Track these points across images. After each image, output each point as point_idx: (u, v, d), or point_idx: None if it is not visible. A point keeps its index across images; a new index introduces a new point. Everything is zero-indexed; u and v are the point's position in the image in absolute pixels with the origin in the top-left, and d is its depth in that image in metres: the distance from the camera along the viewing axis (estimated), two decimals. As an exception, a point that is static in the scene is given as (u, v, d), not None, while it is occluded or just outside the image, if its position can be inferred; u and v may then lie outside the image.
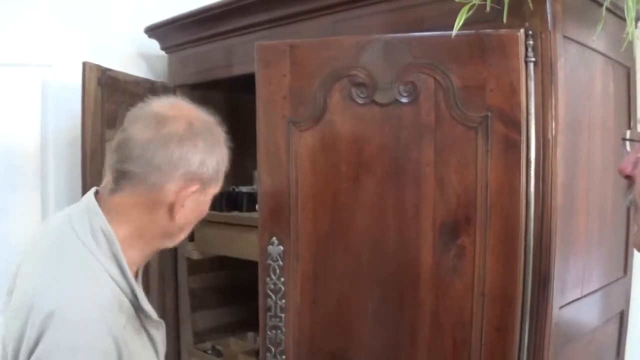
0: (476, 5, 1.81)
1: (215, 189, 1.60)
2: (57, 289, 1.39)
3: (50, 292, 1.39)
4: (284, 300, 2.17)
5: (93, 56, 2.84)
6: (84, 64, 2.68)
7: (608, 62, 2.33)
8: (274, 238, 2.16)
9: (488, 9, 1.80)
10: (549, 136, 1.91)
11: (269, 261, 2.17)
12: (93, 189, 1.57)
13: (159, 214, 1.53)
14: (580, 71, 2.12)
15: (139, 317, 1.53)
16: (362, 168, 2.09)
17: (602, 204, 2.35)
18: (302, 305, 2.18)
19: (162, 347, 1.64)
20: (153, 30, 3.19)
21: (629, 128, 2.49)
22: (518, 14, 1.90)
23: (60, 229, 1.52)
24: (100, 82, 2.74)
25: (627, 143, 1.28)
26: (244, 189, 3.11)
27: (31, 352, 1.34)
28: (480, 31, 1.91)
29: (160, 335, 1.62)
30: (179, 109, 1.55)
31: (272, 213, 2.18)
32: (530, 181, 1.90)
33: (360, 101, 2.06)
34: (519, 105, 1.88)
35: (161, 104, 1.56)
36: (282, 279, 2.16)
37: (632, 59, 2.46)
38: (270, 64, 2.14)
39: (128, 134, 1.50)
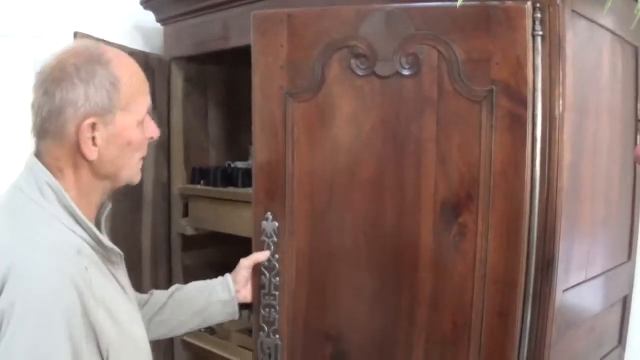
0: None
1: (128, 114, 1.57)
2: (10, 245, 1.41)
3: (4, 249, 1.40)
4: (278, 278, 2.13)
5: (85, 27, 2.77)
6: (76, 35, 2.63)
7: (616, 40, 2.28)
8: (269, 213, 2.12)
9: (496, -22, 1.75)
10: (556, 113, 1.87)
11: (263, 237, 2.13)
12: (31, 151, 1.58)
13: (77, 158, 1.54)
14: (588, 48, 2.08)
15: (104, 263, 1.57)
16: (361, 142, 2.05)
17: (608, 188, 2.32)
18: (297, 284, 2.15)
19: (128, 287, 1.70)
20: (149, 2, 3.16)
21: (637, 110, 2.46)
22: None
23: (9, 192, 1.55)
24: (93, 53, 2.69)
25: None
26: (240, 164, 3.07)
27: None
28: (486, 2, 1.86)
29: (123, 275, 1.68)
30: (56, 55, 1.54)
31: (266, 187, 2.15)
32: (535, 160, 1.86)
33: (360, 73, 2.01)
34: (525, 80, 1.83)
35: (50, 56, 1.55)
36: (277, 256, 2.13)
37: (640, 38, 2.42)
38: (267, 34, 2.09)
39: (31, 95, 1.55)
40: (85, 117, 1.50)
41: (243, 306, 2.14)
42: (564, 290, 1.98)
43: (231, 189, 2.95)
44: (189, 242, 3.22)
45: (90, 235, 1.54)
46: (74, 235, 1.49)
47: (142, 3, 3.18)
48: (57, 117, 1.50)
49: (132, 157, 1.63)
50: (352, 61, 2.01)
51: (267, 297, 2.13)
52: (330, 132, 2.08)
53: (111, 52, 1.58)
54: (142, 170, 1.73)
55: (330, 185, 2.09)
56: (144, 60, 3.00)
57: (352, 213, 2.07)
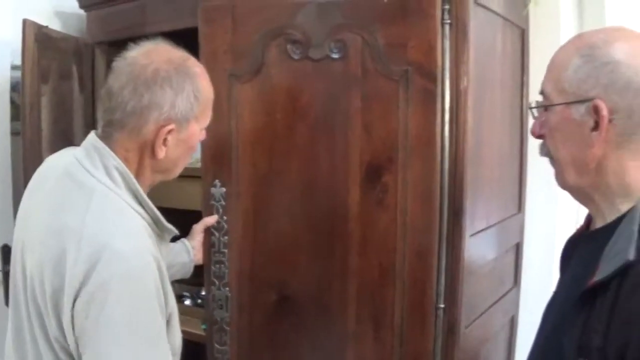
0: None
1: (198, 123, 1.76)
2: (97, 229, 1.53)
3: (92, 232, 1.52)
4: (226, 237, 2.33)
5: (7, 10, 2.94)
6: (24, 22, 2.75)
7: (507, 24, 2.56)
8: (217, 180, 2.32)
9: (412, -24, 2.00)
10: (461, 88, 2.12)
11: (212, 202, 2.33)
12: (92, 132, 1.72)
13: (145, 153, 1.69)
14: (485, 32, 2.34)
15: (157, 238, 1.73)
16: (296, 116, 2.25)
17: (501, 150, 2.59)
18: (243, 241, 2.34)
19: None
20: None
21: (522, 83, 2.79)
22: None
23: (71, 170, 1.66)
24: (37, 39, 2.81)
25: (534, 110, 1.53)
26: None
27: (82, 284, 1.47)
28: None
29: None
30: (149, 56, 1.67)
31: (214, 158, 2.33)
32: (445, 126, 2.10)
33: (295, 57, 2.22)
34: (435, 61, 2.08)
35: (135, 53, 1.69)
36: (225, 218, 2.32)
37: (527, 22, 2.71)
38: (213, 22, 2.28)
39: (108, 85, 1.67)
40: (167, 122, 1.66)
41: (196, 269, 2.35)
42: (471, 236, 2.23)
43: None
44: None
45: (150, 216, 1.70)
46: (141, 218, 1.66)
47: None
48: (140, 115, 1.63)
49: (187, 158, 1.82)
50: (289, 46, 2.22)
51: (217, 255, 2.33)
52: (269, 107, 2.28)
53: (198, 68, 1.75)
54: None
55: (270, 153, 2.30)
56: (75, 45, 3.13)
57: (290, 176, 2.28)
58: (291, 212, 2.30)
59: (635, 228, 1.32)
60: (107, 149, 1.66)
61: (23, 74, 2.80)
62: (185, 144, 1.75)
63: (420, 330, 2.19)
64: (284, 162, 2.30)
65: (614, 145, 1.38)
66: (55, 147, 2.80)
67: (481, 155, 2.34)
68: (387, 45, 2.13)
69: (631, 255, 1.26)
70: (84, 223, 1.53)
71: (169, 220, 1.80)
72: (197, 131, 1.77)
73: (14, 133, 3.07)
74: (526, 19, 2.58)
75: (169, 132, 1.67)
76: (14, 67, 3.07)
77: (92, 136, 1.71)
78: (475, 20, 2.19)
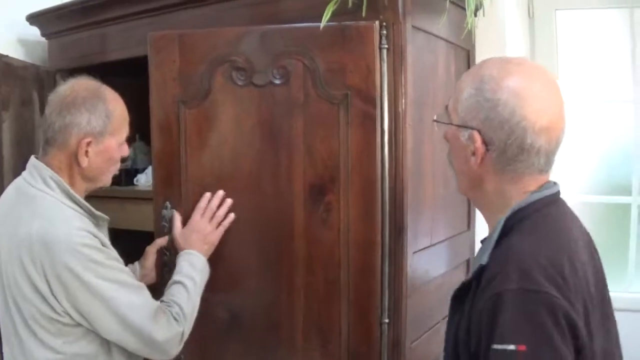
0: (339, 0, 2.09)
1: (114, 138, 2.11)
2: (40, 224, 1.94)
3: (35, 229, 1.93)
4: None
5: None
6: None
7: (450, 46, 2.64)
8: (167, 202, 2.37)
9: (350, 4, 2.09)
10: (399, 110, 2.19)
11: (164, 223, 2.38)
12: (32, 156, 2.13)
13: (73, 163, 2.07)
14: (426, 55, 2.41)
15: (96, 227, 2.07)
16: (242, 140, 2.32)
17: (445, 170, 2.58)
18: None
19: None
20: (34, 17, 3.29)
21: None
22: (374, 8, 2.15)
23: (18, 187, 2.11)
24: (-3, 68, 2.87)
25: (435, 124, 1.66)
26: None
27: (45, 274, 1.90)
28: (342, 23, 2.16)
29: (106, 235, 2.14)
30: (72, 87, 2.10)
31: (164, 180, 2.39)
32: (384, 147, 2.17)
33: (240, 83, 2.29)
34: (374, 84, 2.15)
35: (63, 86, 2.12)
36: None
37: (472, 43, 2.77)
38: (162, 51, 2.35)
39: (45, 111, 2.10)
40: (85, 136, 2.04)
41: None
42: (414, 252, 2.29)
43: (124, 187, 3.09)
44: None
45: (83, 209, 2.06)
46: (74, 211, 2.03)
47: (28, 19, 3.29)
48: (64, 132, 2.04)
49: (109, 168, 2.17)
50: (233, 73, 2.29)
51: (169, 274, 2.32)
52: (216, 132, 2.34)
53: (110, 94, 2.13)
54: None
55: (218, 177, 2.35)
56: (36, 73, 3.22)
57: (238, 198, 2.33)
58: (240, 232, 2.34)
59: (496, 236, 1.47)
60: (42, 164, 2.05)
61: (-17, 103, 2.85)
62: (104, 155, 2.11)
63: (366, 345, 2.24)
64: (231, 184, 2.36)
65: (492, 170, 1.51)
66: (17, 171, 2.86)
67: (422, 175, 2.41)
68: (327, 70, 2.20)
69: (484, 260, 1.42)
70: (31, 226, 1.93)
71: (123, 242, 2.14)
72: (114, 144, 2.13)
73: (-23, 156, 3.08)
74: (471, 40, 2.64)
75: (88, 144, 2.05)
76: (-24, 93, 3.09)
77: (32, 158, 2.12)
78: (414, 44, 2.27)
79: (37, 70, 3.26)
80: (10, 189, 2.15)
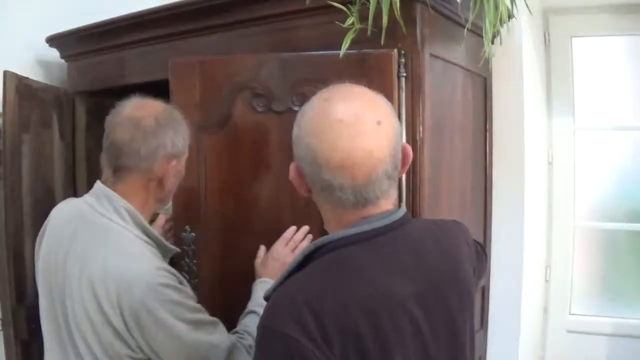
0: (358, 29, 2.12)
1: (184, 157, 2.12)
2: (116, 259, 1.89)
3: (112, 263, 1.88)
4: (196, 280, 2.39)
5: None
6: (5, 73, 2.83)
7: (467, 74, 2.65)
8: (187, 226, 2.40)
9: (369, 33, 2.10)
10: (417, 138, 2.20)
11: (184, 246, 2.39)
12: (98, 182, 2.05)
13: (152, 187, 2.04)
14: (443, 83, 2.42)
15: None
16: (261, 165, 2.34)
17: (462, 195, 2.66)
18: (213, 284, 2.41)
19: None
20: (54, 40, 3.32)
21: (486, 130, 2.88)
22: (393, 36, 2.15)
23: (82, 212, 2.02)
24: (17, 90, 2.90)
25: None
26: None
27: (122, 312, 1.85)
28: (361, 51, 2.17)
29: None
30: (144, 108, 2.02)
31: (185, 205, 2.42)
32: (402, 176, 2.09)
33: (259, 109, 2.32)
34: None
35: (129, 109, 2.03)
36: (195, 261, 2.40)
37: (489, 71, 2.79)
38: (183, 77, 2.38)
39: (112, 138, 2.00)
40: (171, 158, 2.03)
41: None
42: None
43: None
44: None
45: (154, 241, 2.04)
46: (146, 244, 1.99)
47: (47, 40, 3.31)
48: (151, 157, 1.98)
49: (175, 187, 2.17)
50: (253, 100, 2.32)
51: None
52: (236, 157, 2.36)
53: (182, 115, 2.11)
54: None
55: (237, 201, 2.38)
56: (56, 95, 3.24)
57: (256, 222, 2.36)
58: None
59: (288, 270, 1.51)
60: (114, 193, 2.00)
61: (4, 124, 2.88)
62: (178, 175, 2.13)
63: None
64: (250, 209, 2.38)
65: (320, 201, 1.56)
66: (35, 193, 2.93)
67: (439, 201, 2.41)
68: (347, 98, 2.20)
69: (268, 292, 1.51)
70: (108, 262, 1.87)
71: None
72: (183, 164, 2.13)
73: (-5, 177, 3.10)
74: (488, 67, 2.66)
75: (173, 166, 2.04)
76: (-5, 115, 3.11)
77: (99, 185, 2.05)
78: (432, 72, 2.28)
79: (56, 92, 3.28)
80: (68, 210, 2.10)
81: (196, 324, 1.92)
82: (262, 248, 2.28)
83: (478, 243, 1.91)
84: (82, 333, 1.90)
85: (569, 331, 3.33)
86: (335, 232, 1.51)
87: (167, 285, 1.88)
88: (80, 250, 1.94)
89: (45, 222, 2.12)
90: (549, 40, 3.28)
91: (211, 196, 2.42)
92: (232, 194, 2.41)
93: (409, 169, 2.12)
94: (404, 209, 1.58)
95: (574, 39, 3.30)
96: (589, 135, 3.32)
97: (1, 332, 2.97)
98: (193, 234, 2.41)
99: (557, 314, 3.36)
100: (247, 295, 2.27)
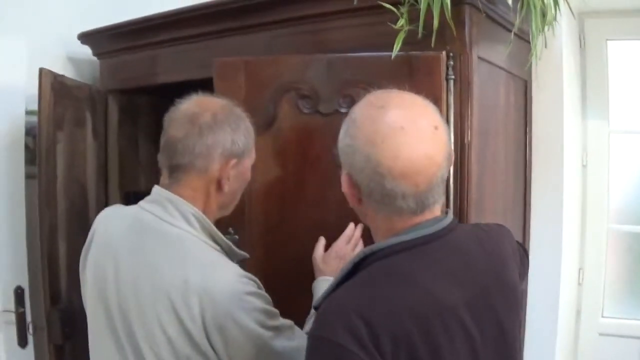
0: (407, 30, 2.11)
1: (250, 159, 2.02)
2: (196, 273, 1.79)
3: (192, 277, 1.78)
4: None
5: (29, 58, 3.01)
6: (41, 70, 2.83)
7: (509, 76, 2.64)
8: (230, 228, 2.36)
9: (420, 35, 2.09)
10: (466, 141, 2.18)
11: None
12: (156, 186, 1.95)
13: (211, 190, 1.93)
14: (489, 86, 2.41)
15: None
16: (306, 167, 2.32)
17: (505, 200, 2.65)
18: None
19: None
20: (86, 37, 3.31)
21: (526, 133, 2.87)
22: (441, 38, 2.13)
23: (146, 222, 1.90)
24: (53, 87, 2.89)
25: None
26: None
27: (205, 326, 1.76)
28: (409, 53, 2.15)
29: None
30: (202, 104, 1.93)
31: None
32: (449, 179, 2.13)
33: (305, 111, 2.30)
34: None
35: (187, 105, 1.93)
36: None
37: (529, 74, 2.78)
38: (227, 77, 2.36)
39: (169, 135, 1.92)
40: (230, 157, 1.91)
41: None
42: None
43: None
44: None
45: (222, 247, 1.96)
46: (216, 251, 1.93)
47: (79, 37, 3.31)
48: (206, 155, 1.88)
49: (241, 192, 2.07)
50: (299, 101, 2.30)
51: None
52: (281, 159, 2.35)
53: (244, 112, 2.01)
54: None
55: (281, 204, 2.36)
56: (89, 93, 3.23)
57: (301, 225, 2.33)
58: (302, 260, 2.29)
59: (337, 279, 1.51)
60: (179, 198, 1.89)
61: (39, 122, 2.87)
62: (242, 177, 2.01)
63: None
64: (294, 212, 2.36)
65: (370, 209, 1.55)
66: (69, 192, 2.91)
67: (484, 206, 2.39)
68: (394, 100, 2.19)
69: (317, 302, 1.51)
70: (187, 273, 1.79)
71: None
72: (249, 165, 2.03)
73: (28, 176, 3.10)
74: (529, 71, 2.65)
75: (232, 166, 1.92)
76: (28, 112, 3.12)
77: (158, 190, 1.95)
78: (479, 75, 2.27)
79: (89, 90, 3.28)
80: (122, 220, 1.97)
81: (278, 330, 1.86)
82: (322, 241, 2.23)
83: (521, 245, 1.92)
84: (154, 347, 1.81)
85: (601, 334, 3.30)
86: (384, 240, 1.51)
87: (251, 293, 1.82)
88: (150, 263, 1.84)
89: (91, 233, 2.03)
90: (584, 43, 3.25)
91: (255, 198, 2.38)
92: (277, 195, 2.39)
93: (457, 173, 2.16)
94: (451, 215, 1.58)
95: (609, 42, 3.27)
96: (623, 139, 3.30)
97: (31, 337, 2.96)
98: (236, 237, 2.37)
99: (589, 316, 3.33)
100: (291, 298, 2.22)
